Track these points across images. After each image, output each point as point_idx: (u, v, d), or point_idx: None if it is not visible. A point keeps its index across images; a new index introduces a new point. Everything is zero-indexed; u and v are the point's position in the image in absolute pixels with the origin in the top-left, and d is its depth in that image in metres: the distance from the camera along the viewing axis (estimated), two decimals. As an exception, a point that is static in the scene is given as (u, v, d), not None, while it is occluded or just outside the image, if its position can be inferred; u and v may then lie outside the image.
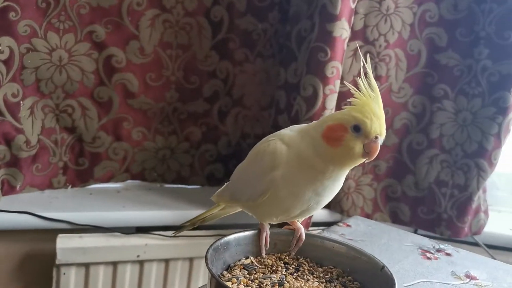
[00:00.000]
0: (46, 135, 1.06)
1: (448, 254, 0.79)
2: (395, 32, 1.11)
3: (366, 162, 0.55)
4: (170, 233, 1.07)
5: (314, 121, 0.57)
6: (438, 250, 0.80)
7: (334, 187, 0.56)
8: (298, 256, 0.60)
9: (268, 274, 0.54)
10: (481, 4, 1.10)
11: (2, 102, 0.96)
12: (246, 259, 0.58)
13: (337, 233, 0.85)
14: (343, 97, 1.05)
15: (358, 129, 0.50)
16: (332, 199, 0.59)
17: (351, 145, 0.51)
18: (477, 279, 0.71)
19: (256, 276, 0.53)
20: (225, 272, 0.54)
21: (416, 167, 1.18)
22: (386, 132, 1.16)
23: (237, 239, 0.58)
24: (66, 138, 1.09)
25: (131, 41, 1.08)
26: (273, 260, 0.58)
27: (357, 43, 1.09)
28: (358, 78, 0.52)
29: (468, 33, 1.12)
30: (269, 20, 1.16)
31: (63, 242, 0.99)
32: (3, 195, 1.01)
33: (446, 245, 0.83)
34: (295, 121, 1.04)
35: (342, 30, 0.98)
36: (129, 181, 1.19)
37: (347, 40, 1.01)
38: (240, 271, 0.55)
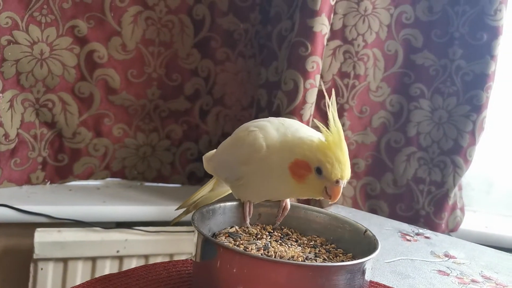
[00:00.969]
0: (25, 129, 1.05)
1: (427, 237, 0.80)
2: (373, 32, 1.15)
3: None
4: (151, 228, 1.07)
5: (295, 133, 0.55)
6: (417, 234, 0.81)
7: None
8: (283, 227, 0.61)
9: (253, 241, 0.54)
10: (455, 6, 1.14)
11: (-19, 92, 0.95)
12: (231, 228, 0.58)
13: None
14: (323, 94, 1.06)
15: (320, 171, 0.51)
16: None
17: (313, 184, 0.52)
18: (455, 258, 0.73)
19: (241, 242, 0.54)
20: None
21: (394, 164, 1.21)
22: (364, 131, 1.20)
23: (223, 207, 0.58)
24: (46, 133, 1.08)
25: (113, 37, 1.08)
26: (258, 229, 0.58)
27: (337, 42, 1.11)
28: (328, 110, 0.51)
29: (442, 34, 1.16)
30: (251, 20, 1.19)
31: (41, 237, 0.98)
32: (-20, 188, 0.99)
33: (425, 230, 0.84)
34: (276, 115, 1.05)
35: (322, 25, 1.01)
36: (109, 179, 1.19)
37: (327, 36, 1.03)
38: (225, 238, 0.55)
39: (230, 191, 0.63)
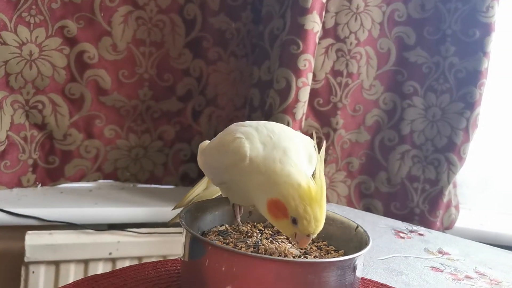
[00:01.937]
0: (15, 131, 1.04)
1: (421, 234, 0.80)
2: (365, 30, 1.14)
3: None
4: (143, 230, 1.06)
5: (283, 157, 0.53)
6: (411, 231, 0.81)
7: None
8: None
9: (243, 239, 0.54)
10: (447, 3, 1.14)
11: (-30, 94, 0.94)
12: (221, 226, 0.57)
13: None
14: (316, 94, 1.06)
15: (295, 221, 0.50)
16: None
17: (285, 225, 0.51)
18: (450, 254, 0.72)
19: (231, 240, 0.53)
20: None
21: (388, 163, 1.20)
22: (358, 129, 1.19)
23: (213, 206, 0.57)
24: (36, 135, 1.07)
25: (104, 37, 1.07)
26: (249, 227, 0.58)
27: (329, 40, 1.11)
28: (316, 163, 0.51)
29: (435, 31, 1.16)
30: (242, 19, 1.18)
31: (32, 239, 0.97)
32: (-30, 191, 0.98)
33: (419, 227, 0.84)
34: (268, 115, 1.05)
35: (314, 23, 1.00)
36: (101, 181, 1.17)
37: (318, 33, 1.03)
38: (215, 236, 0.54)
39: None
